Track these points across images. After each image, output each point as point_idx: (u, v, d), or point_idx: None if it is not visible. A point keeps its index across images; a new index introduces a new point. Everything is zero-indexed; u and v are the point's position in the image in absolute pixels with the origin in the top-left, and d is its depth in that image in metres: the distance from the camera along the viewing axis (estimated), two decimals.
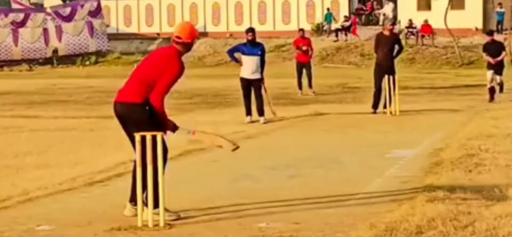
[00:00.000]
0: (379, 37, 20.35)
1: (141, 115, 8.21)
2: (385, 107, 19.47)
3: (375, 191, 9.68)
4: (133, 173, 8.26)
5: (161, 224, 7.92)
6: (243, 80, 18.24)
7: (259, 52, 18.15)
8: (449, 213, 7.93)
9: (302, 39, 28.78)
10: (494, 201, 8.67)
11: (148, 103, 8.21)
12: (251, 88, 18.11)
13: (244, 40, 18.72)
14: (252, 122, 17.96)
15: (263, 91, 18.22)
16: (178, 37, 8.49)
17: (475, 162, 11.38)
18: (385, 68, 19.62)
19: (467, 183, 9.64)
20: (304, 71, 27.81)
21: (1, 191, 9.75)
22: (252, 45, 18.24)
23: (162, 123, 8.25)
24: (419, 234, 7.29)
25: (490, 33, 25.41)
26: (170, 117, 8.47)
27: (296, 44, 29.21)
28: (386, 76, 19.43)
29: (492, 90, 23.05)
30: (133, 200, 8.24)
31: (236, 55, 18.60)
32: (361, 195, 9.44)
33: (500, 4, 48.12)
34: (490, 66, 23.20)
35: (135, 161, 8.14)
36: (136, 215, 8.09)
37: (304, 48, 28.24)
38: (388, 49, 19.77)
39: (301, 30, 30.33)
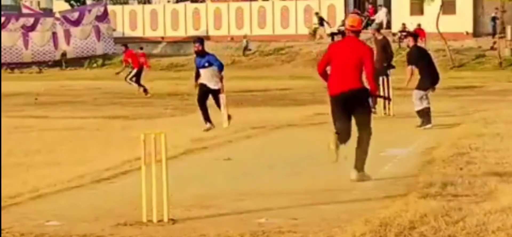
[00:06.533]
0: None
1: (366, 95, 10.25)
2: (384, 108, 19.31)
3: (370, 188, 9.68)
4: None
5: (165, 219, 7.93)
6: (201, 85, 16.73)
7: (206, 64, 16.54)
8: (441, 209, 7.93)
9: None
10: (484, 197, 8.67)
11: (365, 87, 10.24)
12: (209, 95, 16.72)
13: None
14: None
15: (221, 97, 16.70)
16: (352, 26, 10.36)
17: (465, 160, 11.37)
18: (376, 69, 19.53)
19: (458, 181, 9.62)
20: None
21: (12, 188, 9.75)
22: (200, 57, 16.71)
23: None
24: (412, 229, 7.29)
25: None
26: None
27: None
28: (381, 78, 19.31)
29: None
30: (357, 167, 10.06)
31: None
32: (357, 192, 9.44)
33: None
34: None
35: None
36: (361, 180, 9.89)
37: None
38: (377, 52, 19.64)
39: None
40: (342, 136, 10.08)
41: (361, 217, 7.76)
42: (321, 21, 51.21)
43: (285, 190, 9.60)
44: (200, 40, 17.21)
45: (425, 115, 16.59)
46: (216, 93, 16.71)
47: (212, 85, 16.65)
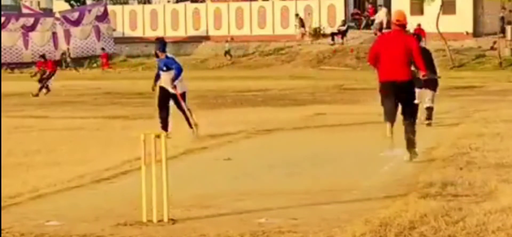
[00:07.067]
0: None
1: (412, 88, 11.52)
2: None
3: (370, 188, 9.68)
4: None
5: (165, 219, 7.92)
6: (161, 88, 15.66)
7: (164, 68, 15.43)
8: (441, 209, 7.93)
9: None
10: (484, 197, 8.68)
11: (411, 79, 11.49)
12: (170, 99, 15.58)
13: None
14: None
15: (183, 104, 15.53)
16: (398, 20, 11.40)
17: (465, 160, 11.38)
18: None
19: (458, 181, 9.63)
20: None
21: (12, 188, 9.75)
22: (160, 60, 15.75)
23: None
24: (412, 229, 7.29)
25: None
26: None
27: None
28: None
29: None
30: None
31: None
32: (357, 192, 9.44)
33: None
34: None
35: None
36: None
37: None
38: None
39: None
40: (389, 116, 11.44)
41: (361, 217, 7.77)
42: (301, 22, 51.21)
43: (285, 190, 9.60)
44: (161, 43, 15.96)
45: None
46: (175, 98, 15.49)
47: (171, 89, 15.48)
